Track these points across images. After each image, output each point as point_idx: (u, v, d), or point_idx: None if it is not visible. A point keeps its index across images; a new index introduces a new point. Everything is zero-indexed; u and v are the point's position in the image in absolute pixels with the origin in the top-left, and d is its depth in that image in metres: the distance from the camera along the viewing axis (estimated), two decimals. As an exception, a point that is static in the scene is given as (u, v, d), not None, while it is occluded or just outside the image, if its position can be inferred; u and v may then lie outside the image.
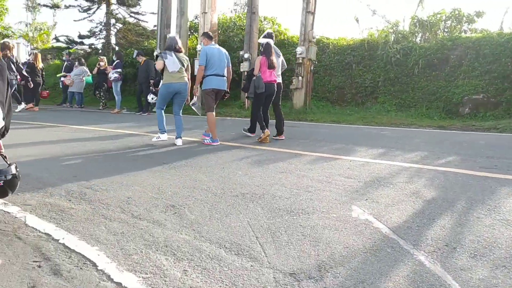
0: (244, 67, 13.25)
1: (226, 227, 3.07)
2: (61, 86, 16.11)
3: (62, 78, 15.11)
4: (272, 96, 7.51)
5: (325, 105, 13.56)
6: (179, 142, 6.77)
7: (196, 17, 17.50)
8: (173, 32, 15.46)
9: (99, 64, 13.86)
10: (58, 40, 21.83)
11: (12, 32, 22.83)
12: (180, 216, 3.28)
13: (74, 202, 3.55)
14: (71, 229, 2.95)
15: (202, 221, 3.18)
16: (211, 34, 7.23)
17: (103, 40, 20.14)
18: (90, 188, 3.95)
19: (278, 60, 7.65)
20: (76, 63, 14.95)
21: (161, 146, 6.52)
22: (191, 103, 7.38)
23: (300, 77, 12.65)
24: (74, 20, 24.58)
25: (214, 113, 7.01)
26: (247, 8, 14.42)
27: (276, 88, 7.47)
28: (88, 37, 19.80)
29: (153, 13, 19.77)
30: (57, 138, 6.92)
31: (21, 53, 21.78)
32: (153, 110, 13.71)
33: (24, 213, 3.22)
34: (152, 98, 11.04)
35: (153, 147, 6.38)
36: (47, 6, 23.34)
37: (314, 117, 11.74)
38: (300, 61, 12.69)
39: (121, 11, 20.73)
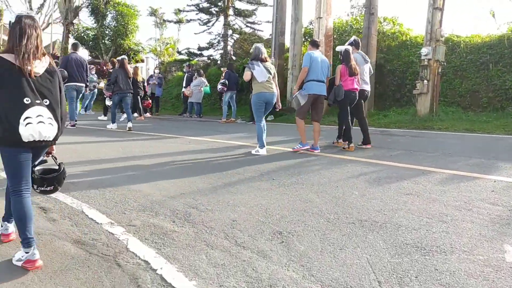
0: (362, 72, 12.44)
1: (341, 264, 2.59)
2: (182, 97, 17.02)
3: (183, 89, 15.90)
4: (357, 104, 7.33)
5: (456, 111, 12.05)
6: (263, 152, 6.72)
7: (310, 23, 17.16)
8: (287, 39, 15.31)
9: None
10: (180, 53, 23.28)
11: (142, 47, 24.93)
12: (288, 246, 2.88)
13: (178, 223, 3.36)
14: (170, 256, 2.73)
15: (312, 255, 2.73)
16: (318, 42, 7.30)
17: (221, 51, 20.91)
18: (196, 208, 3.74)
19: (365, 66, 7.51)
20: (196, 74, 15.61)
21: (270, 160, 6.22)
22: (293, 95, 7.19)
23: (425, 81, 11.43)
24: (195, 33, 26.01)
25: (303, 121, 6.94)
26: (364, 9, 13.62)
27: (358, 96, 7.24)
28: (207, 48, 20.73)
29: (268, 21, 19.94)
30: (171, 150, 7.05)
31: (150, 66, 23.65)
32: (267, 119, 13.65)
33: (128, 235, 3.10)
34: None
35: (262, 161, 6.11)
36: (171, 21, 25.12)
37: (442, 125, 10.47)
38: (426, 63, 11.46)
39: (237, 22, 21.37)
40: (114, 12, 22.96)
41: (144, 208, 3.74)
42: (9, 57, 2.53)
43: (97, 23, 23.24)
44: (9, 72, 2.50)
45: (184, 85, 16.04)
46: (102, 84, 16.29)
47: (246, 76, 6.79)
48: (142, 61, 25.25)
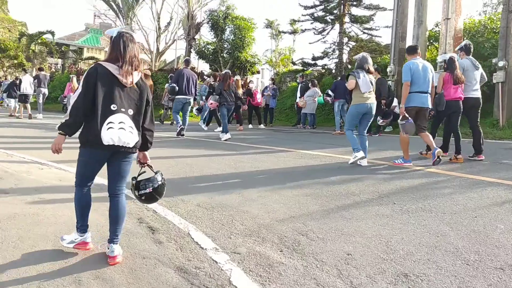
0: (499, 77, 10.90)
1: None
2: (295, 108, 16.84)
3: (297, 100, 15.69)
4: (458, 114, 6.93)
5: None
6: (364, 162, 6.56)
7: (436, 25, 15.76)
8: (409, 43, 14.20)
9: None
10: (294, 64, 23.23)
11: (258, 59, 25.48)
12: (416, 296, 2.36)
13: (286, 253, 3.03)
14: (275, 296, 2.40)
15: (449, 312, 2.18)
16: (415, 47, 6.80)
17: (335, 60, 20.33)
18: (306, 235, 3.38)
19: (475, 73, 7.02)
20: (310, 84, 15.31)
21: (389, 179, 5.58)
22: (399, 121, 6.71)
23: None
24: (309, 43, 25.69)
25: (407, 135, 6.53)
26: (502, 6, 12.01)
27: (463, 104, 6.89)
28: (321, 58, 20.30)
29: (387, 26, 18.83)
30: (282, 166, 6.79)
31: (265, 77, 24.03)
32: (385, 130, 12.75)
33: (232, 264, 2.85)
34: (379, 120, 9.95)
35: (380, 181, 5.50)
36: (286, 32, 25.29)
37: None
38: None
39: (354, 29, 20.59)
40: (232, 26, 23.82)
41: (251, 232, 3.48)
42: (108, 65, 2.79)
43: (216, 37, 24.34)
44: (104, 79, 2.76)
45: (298, 95, 15.83)
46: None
47: (351, 84, 6.59)
48: (258, 72, 25.80)
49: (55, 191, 4.71)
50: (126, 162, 2.95)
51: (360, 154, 6.47)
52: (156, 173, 3.11)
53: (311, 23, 20.79)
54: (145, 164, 3.13)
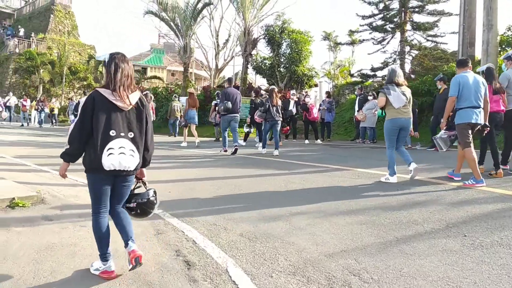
0: None
1: None
2: (354, 121, 16.18)
3: (355, 114, 15.06)
4: (498, 127, 6.85)
5: None
6: (413, 166, 6.39)
7: (508, 29, 14.54)
8: (478, 50, 13.17)
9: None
10: (352, 76, 22.48)
11: (315, 72, 25.04)
12: None
13: (333, 299, 2.61)
14: None
15: None
16: (467, 61, 6.36)
17: (397, 70, 19.37)
18: (358, 276, 2.94)
19: None
20: (369, 96, 14.62)
21: (457, 204, 4.95)
22: (438, 136, 6.73)
23: None
24: (368, 54, 24.86)
25: (472, 148, 6.00)
26: None
27: (502, 118, 6.72)
28: (381, 69, 19.40)
29: (453, 32, 17.69)
30: (336, 184, 6.33)
31: (323, 90, 23.52)
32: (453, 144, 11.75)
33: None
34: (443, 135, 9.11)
35: (447, 206, 4.89)
36: (344, 44, 24.65)
37: None
38: None
39: (416, 37, 19.58)
40: (289, 40, 23.65)
41: (296, 269, 3.10)
42: (104, 91, 2.83)
43: (273, 52, 24.28)
44: (101, 106, 2.81)
45: (356, 109, 15.19)
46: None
47: (381, 102, 6.46)
48: (316, 85, 25.36)
49: (98, 217, 4.61)
50: (127, 186, 3.04)
51: (393, 179, 6.33)
52: (148, 190, 3.20)
53: (370, 33, 20.09)
54: (140, 180, 3.21)
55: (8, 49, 35.18)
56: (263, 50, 26.23)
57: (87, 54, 36.37)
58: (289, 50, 23.76)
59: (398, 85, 6.36)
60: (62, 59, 33.52)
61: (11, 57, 34.07)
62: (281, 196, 5.70)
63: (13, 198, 4.90)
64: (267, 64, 25.06)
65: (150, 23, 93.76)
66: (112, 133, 2.80)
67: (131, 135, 2.89)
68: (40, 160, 8.69)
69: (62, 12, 39.16)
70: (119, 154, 2.80)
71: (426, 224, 4.13)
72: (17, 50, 34.39)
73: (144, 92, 12.93)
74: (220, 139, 16.25)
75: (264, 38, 24.53)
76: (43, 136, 17.02)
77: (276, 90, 11.07)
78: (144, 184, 3.25)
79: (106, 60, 2.94)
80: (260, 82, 31.19)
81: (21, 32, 36.94)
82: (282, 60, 24.31)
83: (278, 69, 24.21)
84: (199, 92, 23.92)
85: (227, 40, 30.08)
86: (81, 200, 5.37)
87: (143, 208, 3.18)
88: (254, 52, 24.83)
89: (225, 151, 10.84)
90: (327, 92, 17.45)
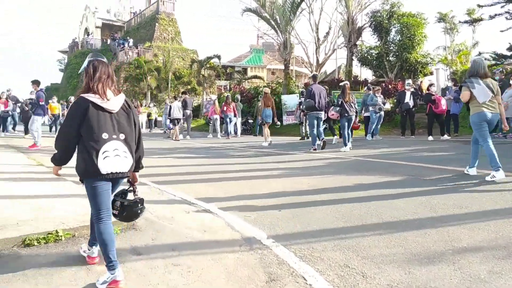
0: None
1: None
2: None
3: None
4: None
5: None
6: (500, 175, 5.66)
7: None
8: None
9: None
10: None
11: (430, 58, 22.32)
12: None
13: None
14: None
15: None
16: None
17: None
18: None
19: None
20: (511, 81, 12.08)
21: None
22: None
23: None
24: (501, 31, 20.79)
25: None
26: None
27: None
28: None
29: None
30: (506, 199, 4.61)
31: (440, 78, 20.80)
32: None
33: None
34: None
35: None
36: (466, 22, 21.53)
37: None
38: None
39: None
40: (398, 25, 21.34)
41: None
42: (89, 96, 2.83)
43: (380, 40, 22.16)
44: (88, 111, 2.78)
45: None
46: (387, 106, 14.75)
47: (464, 96, 6.12)
48: (431, 73, 22.61)
49: (192, 251, 3.60)
50: (116, 187, 3.06)
51: (500, 174, 5.68)
52: (136, 197, 3.17)
53: (502, 6, 16.99)
54: (133, 185, 3.18)
55: (119, 59, 37.45)
56: (368, 39, 24.18)
57: (190, 58, 37.26)
58: (399, 36, 21.42)
59: (482, 77, 5.97)
60: (167, 65, 34.67)
61: (122, 67, 36.17)
62: (429, 220, 4.18)
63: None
64: (373, 54, 22.97)
65: (248, 23, 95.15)
66: (105, 136, 2.80)
67: (122, 136, 2.89)
68: (142, 171, 8.15)
69: (166, 20, 40.72)
70: (115, 157, 2.81)
71: None
72: (127, 60, 36.44)
73: (226, 95, 12.98)
74: (306, 138, 14.92)
75: (369, 26, 22.47)
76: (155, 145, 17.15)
77: (348, 85, 11.14)
78: (134, 192, 3.20)
79: (86, 66, 2.96)
80: (366, 74, 29.06)
81: (131, 42, 39.14)
82: (391, 48, 22.05)
83: (387, 58, 22.01)
84: (301, 89, 22.74)
85: (327, 33, 28.48)
86: (176, 223, 4.45)
87: (125, 212, 3.13)
88: (359, 42, 22.90)
89: (314, 149, 10.67)
90: (454, 79, 15.06)
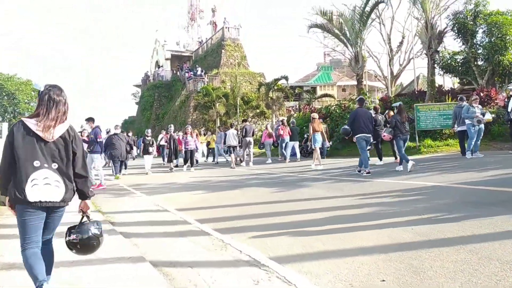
0: None
1: None
2: None
3: None
4: None
5: None
6: None
7: None
8: None
9: None
10: None
11: (529, 59, 19.49)
12: None
13: None
14: None
15: None
16: None
17: None
18: None
19: None
20: None
21: None
22: None
23: None
24: None
25: None
26: None
27: None
28: None
29: None
30: None
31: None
32: None
33: None
34: None
35: None
36: None
37: None
38: None
39: None
40: (485, 25, 18.90)
41: None
42: (29, 122, 2.85)
43: (465, 43, 19.77)
44: (24, 136, 2.81)
45: None
46: (488, 116, 12.58)
47: None
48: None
49: None
50: (56, 217, 3.00)
51: None
52: (91, 222, 3.09)
53: None
54: (85, 214, 3.09)
55: (189, 88, 37.84)
56: (451, 44, 21.82)
57: (257, 82, 36.66)
58: (487, 37, 18.91)
59: None
60: (235, 91, 34.28)
61: (191, 96, 36.43)
62: None
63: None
64: (458, 60, 20.57)
65: (314, 42, 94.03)
66: (36, 163, 2.79)
67: (55, 166, 2.85)
68: (205, 213, 7.02)
69: (231, 46, 40.73)
70: (45, 185, 2.78)
71: None
72: (195, 88, 36.68)
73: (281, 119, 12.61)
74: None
75: (452, 29, 20.17)
76: (210, 175, 16.22)
77: (403, 105, 11.22)
78: (88, 218, 3.11)
79: (41, 91, 2.94)
80: (448, 82, 26.43)
81: (199, 71, 39.50)
82: (479, 51, 19.56)
83: (475, 63, 19.54)
84: (376, 104, 20.93)
85: (401, 42, 26.46)
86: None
87: (84, 244, 3.03)
88: (440, 48, 20.65)
89: (367, 172, 10.30)
90: None
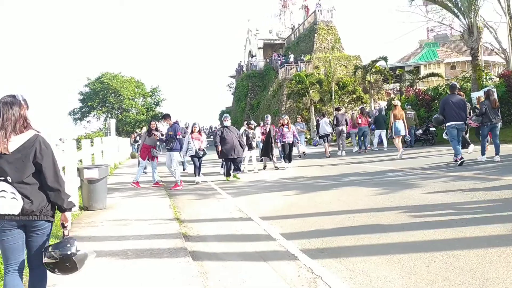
0: None
1: None
2: None
3: None
4: None
5: None
6: None
7: None
8: None
9: None
10: None
11: None
12: None
13: None
14: None
15: None
16: None
17: None
18: None
19: None
20: None
21: None
22: None
23: None
24: None
25: None
26: None
27: None
28: None
29: None
30: None
31: None
32: None
33: None
34: None
35: None
36: None
37: None
38: None
39: None
40: None
41: None
42: None
43: None
44: None
45: None
46: None
47: None
48: None
49: None
50: (38, 235, 2.82)
51: None
52: (65, 239, 2.82)
53: None
54: (64, 226, 2.90)
55: (281, 76, 36.87)
56: None
57: (353, 65, 34.37)
58: None
59: None
60: (329, 76, 32.50)
61: (283, 84, 35.44)
62: None
63: None
64: None
65: (414, 18, 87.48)
66: None
67: (9, 179, 2.69)
68: (293, 223, 5.85)
69: (325, 29, 38.83)
70: (0, 198, 2.63)
71: None
72: (288, 76, 35.59)
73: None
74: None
75: None
76: (300, 170, 14.96)
77: (492, 90, 10.71)
78: (63, 232, 2.90)
79: None
80: None
81: (291, 58, 38.31)
82: None
83: None
84: (496, 82, 17.99)
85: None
86: None
87: (63, 263, 2.73)
88: None
89: (455, 161, 9.86)
90: None
